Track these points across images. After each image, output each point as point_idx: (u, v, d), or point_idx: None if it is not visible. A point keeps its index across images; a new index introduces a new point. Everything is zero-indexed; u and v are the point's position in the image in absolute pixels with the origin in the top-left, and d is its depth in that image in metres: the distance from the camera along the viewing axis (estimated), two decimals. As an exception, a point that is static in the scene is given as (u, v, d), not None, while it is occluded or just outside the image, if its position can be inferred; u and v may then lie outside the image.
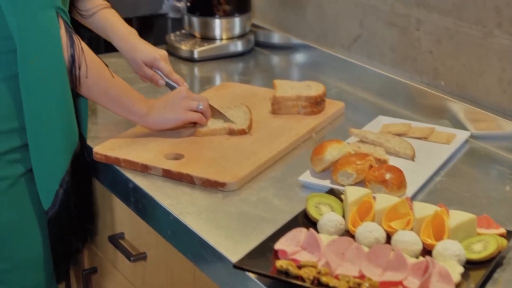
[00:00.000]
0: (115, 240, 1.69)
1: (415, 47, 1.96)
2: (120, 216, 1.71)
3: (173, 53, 2.35)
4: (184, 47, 2.34)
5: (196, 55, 2.32)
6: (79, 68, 1.52)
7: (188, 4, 2.39)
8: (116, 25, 1.80)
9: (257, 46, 2.45)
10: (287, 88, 1.88)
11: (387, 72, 2.03)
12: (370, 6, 2.06)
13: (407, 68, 1.99)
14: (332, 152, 1.55)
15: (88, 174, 1.67)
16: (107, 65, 1.60)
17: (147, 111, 1.66)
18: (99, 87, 1.58)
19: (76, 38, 1.51)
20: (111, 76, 1.59)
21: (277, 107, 1.84)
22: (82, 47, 1.52)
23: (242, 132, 1.73)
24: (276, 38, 2.42)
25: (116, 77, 1.61)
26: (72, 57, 1.50)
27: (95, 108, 1.86)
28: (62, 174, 1.53)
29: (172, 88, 1.81)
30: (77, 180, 1.58)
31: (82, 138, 1.64)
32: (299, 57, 2.34)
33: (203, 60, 2.33)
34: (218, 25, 2.37)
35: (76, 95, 1.59)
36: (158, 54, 1.80)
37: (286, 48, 2.38)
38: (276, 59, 2.39)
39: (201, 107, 1.71)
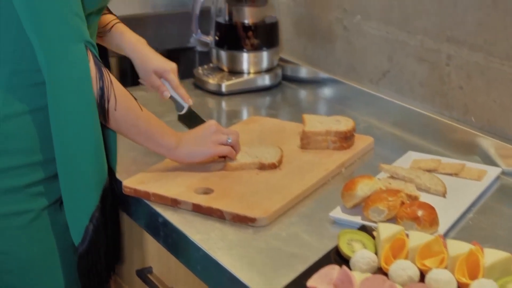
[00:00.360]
0: (143, 274, 1.68)
1: (445, 83, 1.95)
2: (148, 250, 1.70)
3: (200, 86, 2.36)
4: (212, 81, 2.34)
5: (223, 89, 2.32)
6: (108, 101, 1.52)
7: (216, 38, 2.40)
8: (127, 35, 1.83)
9: (285, 80, 2.45)
10: (316, 123, 1.87)
11: (416, 107, 2.02)
12: (399, 41, 2.06)
13: (437, 103, 1.98)
14: (363, 188, 1.54)
15: (117, 208, 1.67)
16: (135, 98, 1.60)
17: (176, 144, 1.65)
18: (128, 120, 1.58)
19: (105, 71, 1.52)
20: (140, 109, 1.59)
21: (307, 141, 1.84)
22: (111, 79, 1.52)
23: (272, 167, 1.72)
24: (304, 72, 2.42)
25: (145, 110, 1.61)
26: (101, 90, 1.50)
27: (124, 141, 1.86)
28: (92, 210, 1.52)
29: (176, 102, 1.83)
30: (107, 215, 1.57)
31: (111, 172, 1.63)
32: (327, 91, 2.34)
33: (230, 94, 2.33)
34: (246, 59, 2.37)
35: (105, 128, 1.59)
36: (169, 65, 1.83)
37: (313, 82, 2.38)
38: (303, 93, 2.39)
39: (230, 140, 1.71)
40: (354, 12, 2.21)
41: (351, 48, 2.24)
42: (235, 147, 1.72)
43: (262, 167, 1.71)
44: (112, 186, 1.63)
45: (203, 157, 1.69)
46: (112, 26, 1.82)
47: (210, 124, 1.72)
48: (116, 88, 1.53)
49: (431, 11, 1.96)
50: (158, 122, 1.65)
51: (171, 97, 1.83)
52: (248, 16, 2.37)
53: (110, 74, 1.54)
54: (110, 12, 1.84)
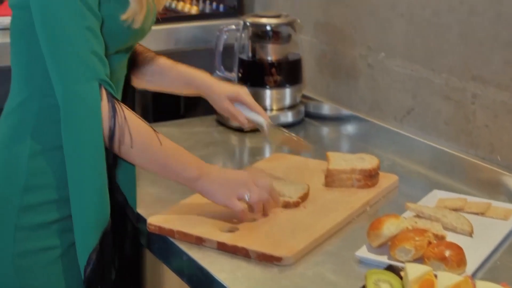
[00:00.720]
0: (167, 312, 1.67)
1: (470, 121, 1.94)
2: (172, 288, 1.70)
3: (223, 123, 2.35)
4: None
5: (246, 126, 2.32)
6: (123, 140, 1.50)
7: (239, 74, 2.40)
8: (189, 71, 1.84)
9: (307, 117, 2.44)
10: (340, 161, 1.86)
11: (441, 145, 2.01)
12: (423, 79, 2.06)
13: (462, 142, 1.97)
14: (390, 227, 1.52)
15: (138, 247, 1.65)
16: (155, 130, 1.57)
17: (198, 176, 1.60)
18: (145, 155, 1.55)
19: (119, 108, 1.50)
20: (159, 144, 1.55)
21: (331, 179, 1.83)
22: (125, 116, 1.50)
23: (297, 205, 1.71)
24: (326, 109, 2.41)
25: (165, 143, 1.57)
26: (113, 128, 1.48)
27: (147, 177, 1.86)
28: (89, 251, 1.49)
29: (256, 122, 1.83)
30: (107, 257, 1.54)
31: (129, 208, 1.62)
32: (350, 129, 2.33)
33: (253, 130, 2.32)
34: (268, 96, 2.37)
35: (123, 164, 1.58)
36: (240, 88, 1.85)
37: (336, 119, 2.38)
38: (326, 130, 2.38)
39: (247, 198, 1.61)
40: (378, 50, 2.21)
41: (375, 85, 2.24)
42: (253, 205, 1.63)
43: (287, 205, 1.70)
44: (133, 224, 1.62)
45: (217, 202, 1.62)
46: (172, 68, 1.83)
47: (243, 174, 1.65)
48: (131, 126, 1.51)
49: (456, 50, 1.95)
50: (179, 154, 1.60)
51: (251, 120, 1.83)
52: (272, 53, 2.38)
53: (126, 111, 1.51)
54: (150, 51, 1.85)
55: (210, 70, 2.50)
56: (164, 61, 1.84)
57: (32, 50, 1.51)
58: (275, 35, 2.38)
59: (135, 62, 1.81)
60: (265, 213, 1.65)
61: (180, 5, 2.80)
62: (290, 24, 2.40)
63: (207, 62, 2.58)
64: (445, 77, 1.99)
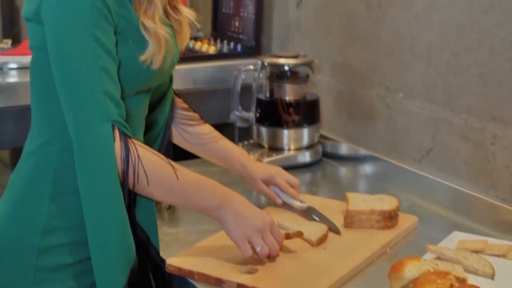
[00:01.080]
0: None
1: (490, 162, 1.93)
2: (190, 330, 1.68)
3: (241, 162, 2.35)
4: (252, 157, 2.34)
5: (264, 165, 2.32)
6: (138, 178, 1.49)
7: (257, 114, 2.40)
8: (233, 150, 1.88)
9: (325, 156, 2.44)
10: (359, 202, 1.86)
11: (460, 186, 2.00)
12: (442, 120, 2.05)
13: (482, 183, 1.96)
14: (412, 269, 1.51)
15: (162, 284, 1.64)
16: (171, 164, 1.54)
17: (217, 206, 1.57)
18: (163, 191, 1.54)
19: (133, 148, 1.49)
20: (176, 178, 1.53)
21: (350, 220, 1.82)
22: (139, 155, 1.49)
23: (317, 245, 1.70)
24: (344, 149, 2.41)
25: (183, 175, 1.54)
26: (127, 169, 1.48)
27: (165, 217, 1.86)
28: None
29: (289, 203, 1.88)
30: None
31: (152, 246, 1.62)
32: (368, 169, 2.33)
33: (271, 170, 2.32)
34: (286, 136, 2.38)
35: (143, 204, 1.57)
36: (274, 170, 1.87)
37: (354, 159, 2.37)
38: (343, 170, 2.38)
39: (258, 250, 1.58)
40: (397, 90, 2.21)
41: (393, 126, 2.24)
42: (260, 256, 1.59)
43: (306, 245, 1.69)
44: (156, 263, 1.61)
45: (230, 238, 1.59)
46: (213, 140, 1.87)
47: (265, 219, 1.59)
48: (146, 163, 1.50)
49: (476, 90, 1.95)
50: (198, 185, 1.57)
51: (287, 203, 1.89)
52: (289, 93, 2.38)
53: (140, 149, 1.50)
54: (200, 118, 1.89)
55: (228, 109, 2.53)
56: (206, 131, 1.87)
57: (53, 93, 1.51)
58: (293, 75, 2.39)
59: (176, 120, 1.84)
60: (269, 260, 1.62)
61: (198, 45, 2.82)
62: (308, 64, 2.41)
63: (225, 101, 2.59)
64: (464, 117, 1.99)
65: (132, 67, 1.53)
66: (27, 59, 1.67)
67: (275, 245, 1.60)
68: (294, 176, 1.92)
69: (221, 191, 1.59)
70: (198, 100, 2.61)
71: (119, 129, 1.48)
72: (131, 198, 1.52)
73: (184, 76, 2.59)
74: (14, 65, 2.48)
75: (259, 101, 2.41)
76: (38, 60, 1.54)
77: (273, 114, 2.39)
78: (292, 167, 2.35)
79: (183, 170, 1.55)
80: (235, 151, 1.88)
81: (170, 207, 1.95)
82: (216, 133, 1.89)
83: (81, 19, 1.44)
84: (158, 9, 1.55)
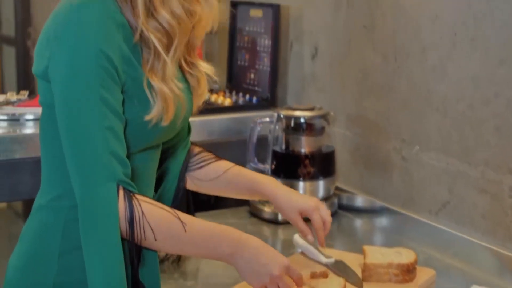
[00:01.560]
0: None
1: (507, 214, 1.92)
2: None
3: (256, 214, 2.35)
4: (268, 209, 2.33)
5: (280, 218, 2.31)
6: (144, 235, 1.46)
7: (273, 166, 2.40)
8: (258, 177, 1.78)
9: (341, 209, 2.43)
10: (377, 255, 1.84)
11: (477, 239, 1.98)
12: (459, 172, 2.04)
13: (499, 236, 1.94)
14: (430, 324, 1.49)
15: None
16: (178, 217, 1.49)
17: (230, 253, 1.52)
18: (171, 244, 1.51)
19: (137, 205, 1.46)
20: (183, 231, 1.49)
21: (368, 274, 1.80)
22: (143, 211, 1.46)
23: (334, 299, 1.69)
24: (360, 201, 2.40)
25: (191, 227, 1.49)
26: (131, 228, 1.45)
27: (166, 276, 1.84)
28: None
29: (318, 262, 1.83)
30: None
31: None
32: (384, 221, 2.31)
33: (287, 222, 2.30)
34: (302, 188, 2.37)
35: (147, 261, 1.54)
36: (314, 202, 1.77)
37: (370, 212, 2.36)
38: (359, 222, 2.36)
39: None
40: (413, 143, 2.20)
41: (409, 179, 2.23)
42: None
43: (325, 300, 1.68)
44: None
45: (246, 281, 1.55)
46: (232, 170, 1.79)
47: (278, 263, 1.54)
48: (151, 219, 1.46)
49: (492, 143, 1.95)
50: (208, 235, 1.52)
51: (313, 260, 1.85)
52: (305, 145, 2.38)
53: (145, 205, 1.46)
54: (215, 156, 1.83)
55: (243, 161, 2.52)
56: (222, 165, 1.80)
57: (61, 150, 1.49)
58: (309, 128, 2.39)
59: (189, 168, 1.79)
60: None
61: (213, 97, 2.83)
62: (324, 116, 2.41)
63: (240, 153, 2.59)
64: (481, 170, 1.98)
65: (139, 126, 1.51)
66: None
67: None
68: (329, 213, 1.81)
69: (235, 237, 1.54)
70: (213, 152, 2.60)
71: (124, 188, 1.45)
72: (137, 255, 1.50)
73: (200, 128, 2.60)
74: (30, 116, 2.50)
75: (274, 153, 2.41)
76: (47, 115, 1.54)
77: (289, 166, 2.38)
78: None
79: (192, 221, 1.51)
80: (262, 177, 1.78)
81: (174, 261, 1.91)
82: (235, 165, 1.80)
83: (87, 79, 1.43)
84: (169, 66, 1.52)
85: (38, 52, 1.51)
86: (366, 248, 1.88)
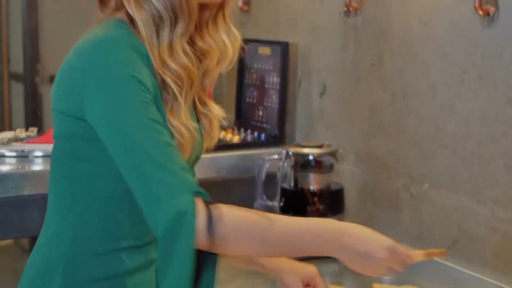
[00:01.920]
0: None
1: (518, 253, 1.91)
2: None
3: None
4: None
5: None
6: (227, 242, 1.41)
7: (281, 203, 2.40)
8: None
9: (349, 246, 2.42)
10: (386, 293, 1.83)
11: (488, 277, 1.97)
12: (469, 210, 2.04)
13: (510, 274, 1.93)
14: None
15: None
16: (266, 216, 1.44)
17: (330, 250, 1.48)
18: (258, 245, 1.45)
19: (217, 212, 1.40)
20: (271, 229, 1.43)
21: (378, 312, 1.80)
22: (221, 214, 1.40)
23: None
24: (369, 239, 2.39)
25: (280, 224, 1.45)
26: (209, 240, 1.40)
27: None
28: None
29: None
30: None
31: None
32: (393, 259, 2.30)
33: (295, 260, 2.30)
34: (310, 225, 2.36)
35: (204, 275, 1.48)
36: (313, 270, 1.78)
37: (379, 249, 2.35)
38: (368, 260, 2.35)
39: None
40: (421, 180, 2.20)
41: (418, 216, 2.22)
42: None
43: None
44: None
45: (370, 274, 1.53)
46: None
47: (383, 252, 1.49)
48: (228, 224, 1.40)
49: (502, 180, 1.94)
50: (301, 232, 1.47)
51: None
52: (314, 182, 2.38)
53: (223, 210, 1.41)
54: None
55: (252, 198, 2.52)
56: None
57: (71, 183, 1.50)
58: (317, 165, 2.39)
59: None
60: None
61: (222, 134, 2.83)
62: (332, 153, 2.41)
63: (248, 190, 2.59)
64: (491, 207, 1.97)
65: None
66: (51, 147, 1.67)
67: (403, 266, 1.53)
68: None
69: (329, 234, 1.48)
70: (221, 188, 2.61)
71: (201, 197, 1.41)
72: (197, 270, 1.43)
73: (208, 164, 2.60)
74: (39, 153, 2.51)
75: (283, 190, 2.41)
76: (60, 148, 1.53)
77: (298, 203, 2.38)
78: (316, 258, 2.33)
79: (281, 219, 1.48)
80: None
81: None
82: None
83: (130, 104, 1.42)
84: (183, 107, 1.52)
85: (59, 88, 1.50)
86: (376, 286, 1.87)
